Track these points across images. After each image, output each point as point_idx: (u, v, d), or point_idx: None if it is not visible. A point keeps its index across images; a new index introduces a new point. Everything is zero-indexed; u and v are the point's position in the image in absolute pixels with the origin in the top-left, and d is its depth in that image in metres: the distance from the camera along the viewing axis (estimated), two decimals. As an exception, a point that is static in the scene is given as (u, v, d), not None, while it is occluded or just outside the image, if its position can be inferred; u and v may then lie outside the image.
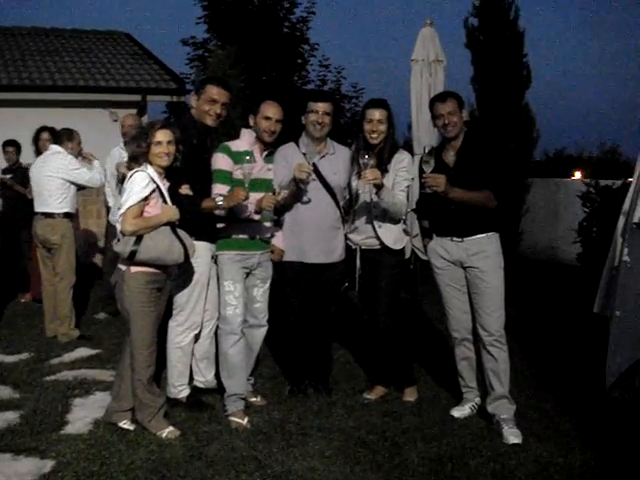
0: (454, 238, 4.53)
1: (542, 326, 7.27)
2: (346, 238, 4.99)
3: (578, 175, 13.94)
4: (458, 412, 4.75)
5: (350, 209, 4.95)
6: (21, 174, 8.15)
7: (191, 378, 4.95)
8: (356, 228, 4.91)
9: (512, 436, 4.32)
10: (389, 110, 4.81)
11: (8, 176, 8.41)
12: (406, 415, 4.73)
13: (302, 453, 4.10)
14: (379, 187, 4.55)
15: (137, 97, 12.19)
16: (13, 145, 8.51)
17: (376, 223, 4.80)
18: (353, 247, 4.96)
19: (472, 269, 4.50)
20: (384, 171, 4.69)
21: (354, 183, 4.86)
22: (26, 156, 8.09)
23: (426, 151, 4.50)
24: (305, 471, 3.88)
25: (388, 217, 4.79)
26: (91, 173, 6.61)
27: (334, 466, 3.96)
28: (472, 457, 4.09)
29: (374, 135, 4.75)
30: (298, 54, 17.31)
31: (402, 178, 4.81)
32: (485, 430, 4.49)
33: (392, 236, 4.83)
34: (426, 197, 4.54)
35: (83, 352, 6.18)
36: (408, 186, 4.89)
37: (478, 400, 4.78)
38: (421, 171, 4.47)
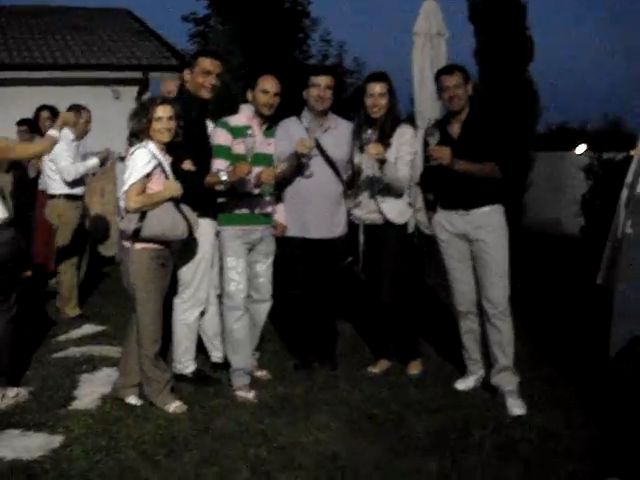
0: (459, 211, 4.53)
1: (546, 298, 7.29)
2: (349, 213, 4.98)
3: (582, 148, 13.87)
4: (462, 384, 4.79)
5: (353, 184, 4.93)
6: None
7: (205, 355, 5.01)
8: (359, 203, 4.89)
9: (516, 407, 4.36)
10: (390, 83, 4.79)
11: None
12: (410, 388, 4.76)
13: (307, 426, 4.14)
14: (382, 162, 4.55)
15: (139, 74, 12.14)
16: (26, 124, 8.48)
17: (379, 197, 4.79)
18: (356, 222, 4.94)
19: (477, 241, 4.50)
20: (386, 145, 4.66)
21: (357, 158, 4.86)
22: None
23: (431, 124, 4.49)
24: (311, 444, 3.92)
25: (391, 191, 4.77)
26: (73, 167, 6.42)
27: (339, 439, 4.00)
28: (476, 429, 4.12)
29: (375, 109, 4.73)
30: (299, 29, 17.22)
31: (405, 152, 4.76)
32: (489, 402, 4.52)
33: (395, 210, 4.82)
34: (431, 170, 4.53)
35: (90, 329, 6.23)
36: (411, 160, 4.82)
37: (482, 372, 4.81)
38: (425, 144, 4.48)
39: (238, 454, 3.79)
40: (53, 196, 6.63)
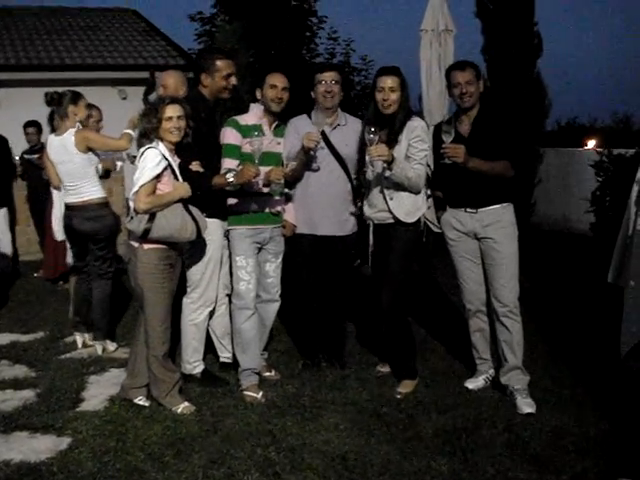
0: (468, 209, 4.50)
1: (556, 296, 7.25)
2: (361, 212, 4.83)
3: (591, 144, 13.80)
4: (472, 384, 4.75)
5: (363, 182, 4.81)
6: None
7: (213, 354, 5.00)
8: (368, 202, 4.72)
9: (525, 406, 4.33)
10: (402, 77, 4.56)
11: (35, 156, 8.37)
12: (420, 387, 4.73)
13: (316, 426, 4.12)
14: (389, 162, 4.39)
15: (145, 74, 12.14)
16: (34, 126, 8.49)
17: (387, 195, 4.58)
18: (367, 222, 4.78)
19: (486, 240, 4.48)
20: (394, 141, 4.49)
21: (367, 156, 4.63)
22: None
23: (445, 121, 4.40)
24: (320, 444, 3.90)
25: (400, 189, 4.56)
26: None
27: (348, 439, 3.98)
28: (486, 428, 4.10)
29: (386, 104, 4.48)
30: (306, 27, 17.19)
31: (417, 149, 4.53)
32: (499, 401, 4.49)
33: (404, 208, 4.59)
34: (442, 168, 4.49)
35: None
36: (425, 156, 4.59)
37: (492, 372, 4.78)
38: (439, 141, 4.43)
39: (246, 455, 3.78)
40: None
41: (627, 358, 4.40)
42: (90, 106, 6.54)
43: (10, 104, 10.89)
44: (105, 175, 6.07)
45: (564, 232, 11.51)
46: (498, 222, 4.45)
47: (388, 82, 4.50)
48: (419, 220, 4.70)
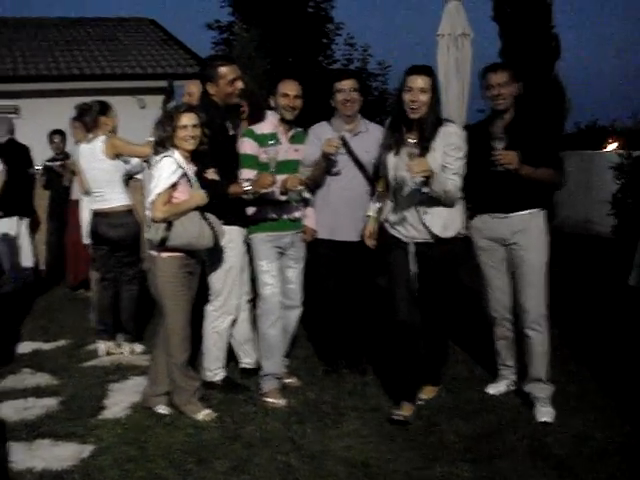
0: (498, 214, 4.37)
1: (578, 300, 7.18)
2: (392, 227, 4.36)
3: (612, 146, 13.68)
4: (494, 389, 4.72)
5: (394, 197, 4.34)
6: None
7: (234, 361, 5.02)
8: (403, 220, 4.27)
9: (543, 414, 4.27)
10: (434, 78, 4.15)
11: (57, 163, 8.44)
12: (441, 393, 4.70)
13: (338, 433, 4.11)
14: (428, 177, 3.97)
15: (163, 83, 12.23)
16: (60, 134, 8.57)
17: (421, 211, 4.20)
18: (404, 240, 4.30)
19: (515, 246, 4.35)
20: (425, 149, 4.08)
21: (391, 163, 4.27)
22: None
23: (498, 127, 4.23)
24: (341, 450, 3.89)
25: (436, 203, 4.17)
26: None
27: (370, 445, 3.96)
28: (509, 434, 4.07)
29: (414, 106, 4.05)
30: (323, 34, 17.23)
31: (454, 158, 4.13)
32: (521, 407, 4.45)
33: (440, 222, 4.21)
34: (473, 172, 4.25)
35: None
36: (463, 165, 4.21)
37: (514, 377, 4.72)
38: (475, 145, 4.25)
39: (268, 462, 3.77)
40: None
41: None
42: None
43: (30, 114, 11.02)
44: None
45: (585, 235, 11.43)
46: (528, 229, 4.32)
47: (418, 82, 4.08)
48: (457, 237, 4.34)
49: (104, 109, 5.76)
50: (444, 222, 4.24)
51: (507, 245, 4.40)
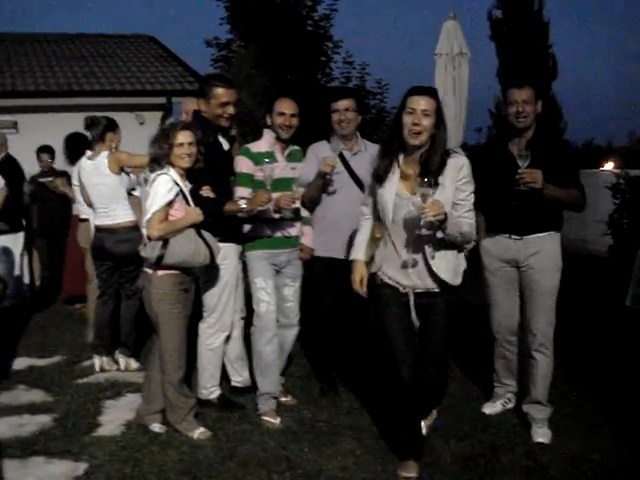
0: (512, 235, 4.28)
1: (574, 320, 7.16)
2: (387, 276, 3.77)
3: (608, 166, 13.74)
4: (489, 409, 4.70)
5: (391, 241, 3.75)
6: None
7: (226, 379, 4.98)
8: (404, 266, 3.68)
9: (540, 436, 4.25)
10: (438, 101, 3.67)
11: (49, 179, 8.42)
12: (438, 413, 4.69)
13: (333, 452, 4.09)
14: (442, 221, 3.48)
15: (162, 99, 12.26)
16: (48, 152, 8.57)
17: (428, 254, 3.64)
18: (402, 291, 3.74)
19: (528, 269, 4.27)
20: (430, 185, 3.46)
21: (385, 197, 3.71)
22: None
23: (521, 145, 4.08)
24: (336, 470, 3.87)
25: (444, 246, 3.67)
26: None
27: (366, 465, 3.95)
28: (504, 454, 4.06)
29: (416, 129, 3.55)
30: (322, 52, 17.29)
31: (466, 193, 3.66)
32: (518, 427, 4.44)
33: (449, 266, 3.69)
34: (486, 190, 4.08)
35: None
36: (474, 201, 3.76)
37: (510, 396, 4.70)
38: (490, 162, 4.21)
39: (263, 482, 3.75)
40: (84, 220, 6.70)
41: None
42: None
43: (28, 130, 11.02)
44: None
45: (582, 254, 11.42)
46: (542, 251, 4.25)
47: (422, 103, 3.58)
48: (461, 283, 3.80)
49: (112, 125, 5.83)
50: (454, 267, 3.72)
51: (520, 267, 4.33)
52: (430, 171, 3.55)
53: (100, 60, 13.98)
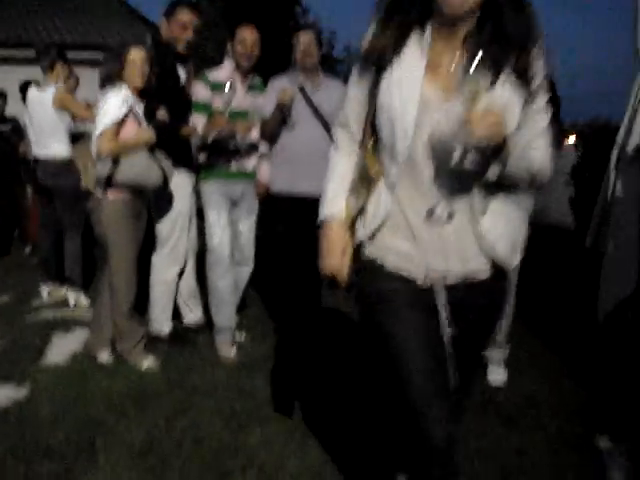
0: None
1: (530, 264, 7.14)
2: (392, 251, 2.07)
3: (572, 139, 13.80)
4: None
5: (401, 184, 2.04)
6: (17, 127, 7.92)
7: (178, 319, 4.89)
8: (431, 214, 1.98)
9: (494, 374, 4.24)
10: None
11: (8, 127, 8.14)
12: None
13: (286, 384, 4.00)
14: (500, 147, 1.89)
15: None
16: (1, 96, 8.28)
17: (475, 205, 1.98)
18: (420, 282, 2.04)
19: None
20: (496, 74, 1.91)
21: (401, 130, 1.99)
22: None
23: None
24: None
25: (502, 196, 2.02)
26: None
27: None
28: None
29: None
30: (291, 16, 17.14)
31: (541, 102, 1.99)
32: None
33: (509, 233, 2.05)
34: None
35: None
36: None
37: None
38: None
39: (212, 407, 3.67)
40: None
41: (604, 323, 4.33)
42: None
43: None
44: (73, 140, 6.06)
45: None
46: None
47: None
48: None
49: (63, 54, 5.79)
50: (514, 236, 2.08)
51: None
52: (491, 56, 1.88)
53: (63, 15, 13.69)
